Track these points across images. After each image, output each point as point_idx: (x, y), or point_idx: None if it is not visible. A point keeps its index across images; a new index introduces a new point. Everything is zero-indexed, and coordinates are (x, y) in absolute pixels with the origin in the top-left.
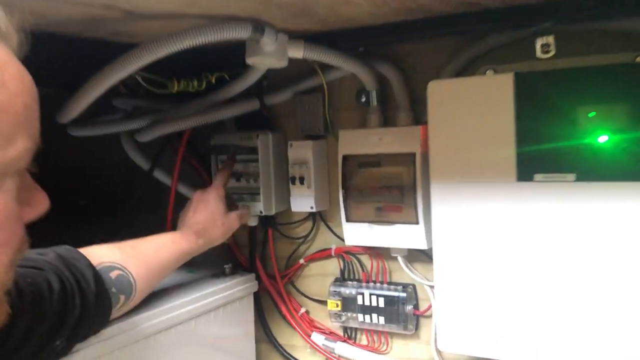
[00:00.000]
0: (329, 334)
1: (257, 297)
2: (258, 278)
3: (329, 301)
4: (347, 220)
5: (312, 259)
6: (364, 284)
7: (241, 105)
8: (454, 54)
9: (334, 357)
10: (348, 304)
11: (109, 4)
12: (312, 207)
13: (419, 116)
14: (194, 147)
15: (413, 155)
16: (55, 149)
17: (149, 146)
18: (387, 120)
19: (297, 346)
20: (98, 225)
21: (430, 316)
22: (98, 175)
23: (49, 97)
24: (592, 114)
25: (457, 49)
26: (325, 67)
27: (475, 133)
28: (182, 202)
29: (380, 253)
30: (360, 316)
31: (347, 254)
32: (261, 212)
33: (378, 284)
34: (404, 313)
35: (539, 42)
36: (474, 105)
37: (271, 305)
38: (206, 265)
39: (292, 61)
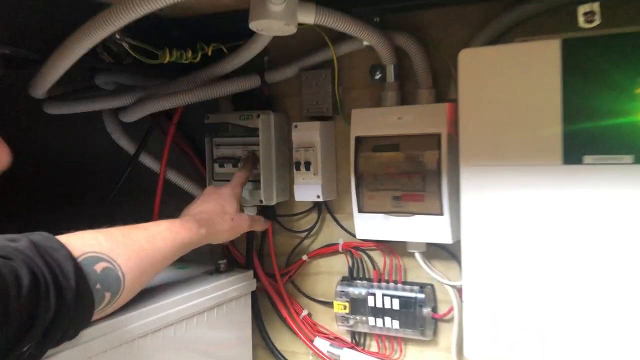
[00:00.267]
0: (334, 340)
1: (254, 298)
2: (256, 276)
3: (335, 302)
4: (360, 211)
5: (317, 255)
6: (375, 284)
7: (240, 82)
8: (482, 24)
9: None
10: (357, 305)
11: None
12: (318, 196)
13: (441, 94)
14: (186, 131)
15: (438, 136)
16: (32, 130)
17: (135, 129)
18: (405, 100)
19: (298, 353)
20: (76, 215)
21: (450, 320)
22: (77, 160)
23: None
24: None
25: (486, 19)
26: (335, 40)
27: (513, 109)
28: (171, 192)
29: (393, 249)
30: (370, 319)
31: (357, 249)
32: (261, 201)
33: (392, 284)
34: (421, 316)
35: (581, 10)
36: (513, 77)
37: (269, 307)
38: (198, 261)
39: (297, 33)
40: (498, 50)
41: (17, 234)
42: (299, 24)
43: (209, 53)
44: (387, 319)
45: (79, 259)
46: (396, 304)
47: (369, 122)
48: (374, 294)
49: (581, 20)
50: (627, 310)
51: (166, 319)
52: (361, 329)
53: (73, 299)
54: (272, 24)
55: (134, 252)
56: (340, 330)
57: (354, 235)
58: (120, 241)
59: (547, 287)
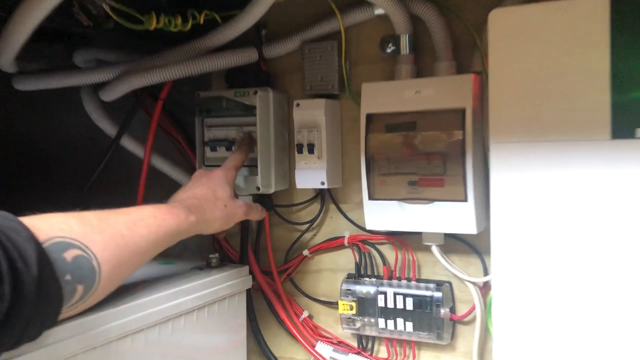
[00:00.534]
0: (338, 344)
1: (248, 297)
2: (250, 274)
3: (340, 302)
4: (370, 198)
5: (319, 250)
6: (385, 281)
7: (235, 55)
8: None
9: None
10: (365, 306)
11: None
12: (322, 183)
13: (462, 68)
14: (173, 113)
15: (462, 111)
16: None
17: (117, 111)
18: (421, 76)
19: (298, 359)
20: (48, 209)
21: (471, 322)
22: (50, 145)
23: None
24: None
25: None
26: (342, 9)
27: (553, 76)
28: (157, 181)
29: (406, 242)
30: (380, 321)
31: (364, 243)
32: (258, 188)
33: (404, 281)
34: (437, 318)
35: None
36: (552, 40)
37: (266, 308)
38: (185, 257)
39: (298, 2)
40: (534, 9)
41: None
42: None
43: (201, 21)
44: (399, 321)
45: (45, 244)
46: (410, 304)
47: (381, 97)
48: (384, 293)
49: None
50: None
51: (149, 318)
52: (369, 332)
53: (34, 290)
54: None
55: (112, 239)
56: (346, 333)
57: (362, 228)
58: (96, 226)
59: (593, 283)
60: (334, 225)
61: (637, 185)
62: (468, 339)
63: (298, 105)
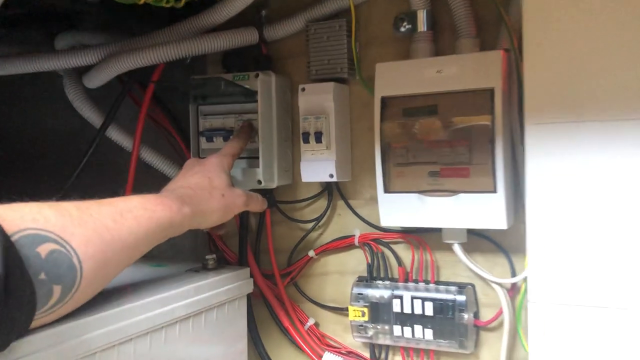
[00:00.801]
0: (348, 355)
1: (248, 303)
2: (250, 277)
3: (350, 308)
4: (386, 191)
5: (326, 250)
6: (401, 284)
7: (233, 36)
8: None
9: None
10: (378, 312)
11: None
12: (331, 176)
13: (488, 46)
14: (163, 102)
15: (491, 91)
16: None
17: (103, 98)
18: (440, 54)
19: None
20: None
21: (497, 328)
22: (29, 137)
23: None
24: None
25: None
26: None
27: (597, 49)
28: (146, 176)
29: (423, 240)
30: (395, 329)
31: (377, 242)
32: (260, 182)
33: (422, 284)
34: (460, 324)
35: None
36: (597, 7)
37: (267, 315)
38: (178, 260)
39: None
40: None
41: None
42: None
43: None
44: (417, 328)
45: (14, 237)
46: (429, 309)
47: (398, 78)
48: (400, 297)
49: None
50: None
51: (138, 326)
52: (383, 340)
53: (1, 293)
54: None
55: (95, 233)
56: (356, 343)
57: (374, 225)
58: (76, 217)
59: None
60: (343, 223)
61: None
62: (494, 347)
63: (304, 89)
